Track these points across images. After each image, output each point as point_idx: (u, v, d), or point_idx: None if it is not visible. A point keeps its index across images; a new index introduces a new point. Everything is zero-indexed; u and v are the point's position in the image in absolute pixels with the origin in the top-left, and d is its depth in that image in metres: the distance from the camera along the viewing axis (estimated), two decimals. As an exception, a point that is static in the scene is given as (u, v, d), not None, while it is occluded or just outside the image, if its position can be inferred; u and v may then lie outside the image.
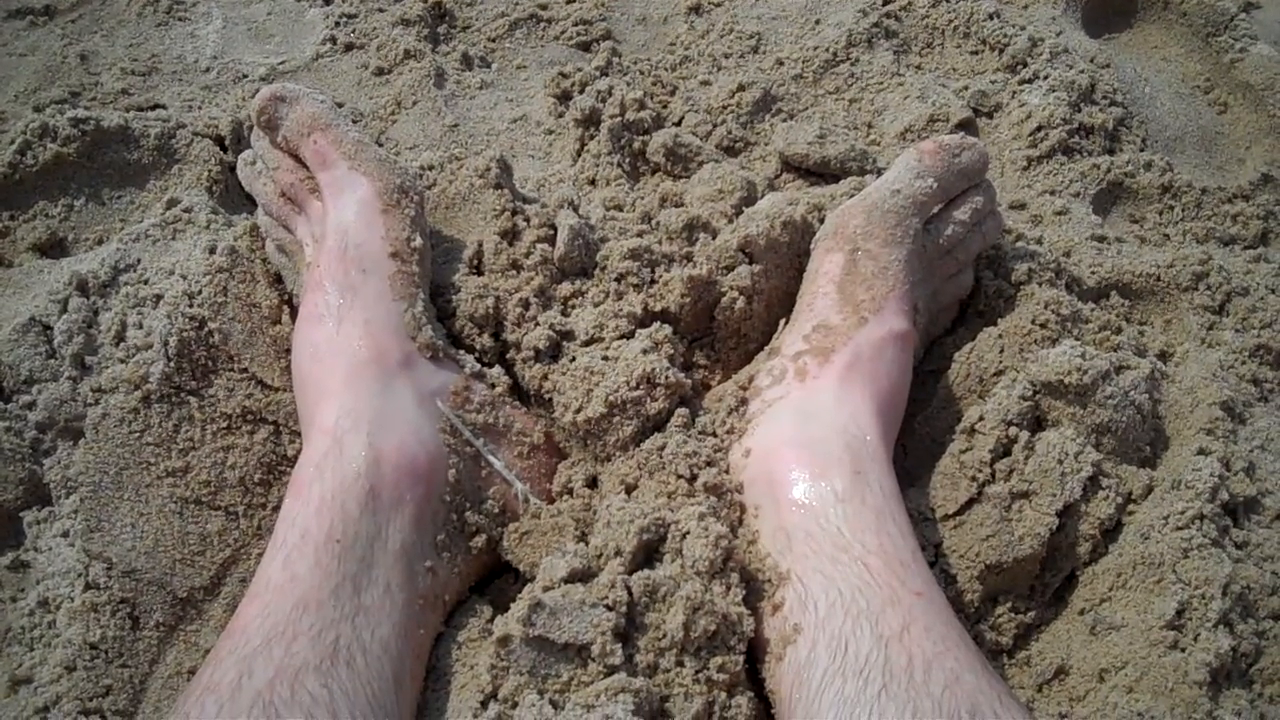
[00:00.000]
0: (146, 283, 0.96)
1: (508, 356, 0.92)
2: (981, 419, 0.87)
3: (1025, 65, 1.30)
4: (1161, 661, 0.75)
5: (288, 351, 0.90)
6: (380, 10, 1.38)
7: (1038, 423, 0.88)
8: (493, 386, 0.88)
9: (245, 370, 0.91)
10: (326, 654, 0.65)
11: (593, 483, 0.87)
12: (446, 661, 0.76)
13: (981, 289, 1.00)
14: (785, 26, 1.38)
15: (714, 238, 0.97)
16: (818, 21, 1.38)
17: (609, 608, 0.68)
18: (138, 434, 0.86)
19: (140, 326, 0.92)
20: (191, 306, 0.91)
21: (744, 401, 0.88)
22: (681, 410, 0.87)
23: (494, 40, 1.37)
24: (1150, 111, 1.33)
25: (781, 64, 1.32)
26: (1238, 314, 1.08)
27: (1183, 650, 0.76)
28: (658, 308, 0.93)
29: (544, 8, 1.40)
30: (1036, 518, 0.82)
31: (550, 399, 0.89)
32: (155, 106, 1.21)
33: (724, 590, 0.71)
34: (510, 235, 0.96)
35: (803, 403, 0.83)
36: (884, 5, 1.38)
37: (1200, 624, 0.77)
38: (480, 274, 0.95)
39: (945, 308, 0.99)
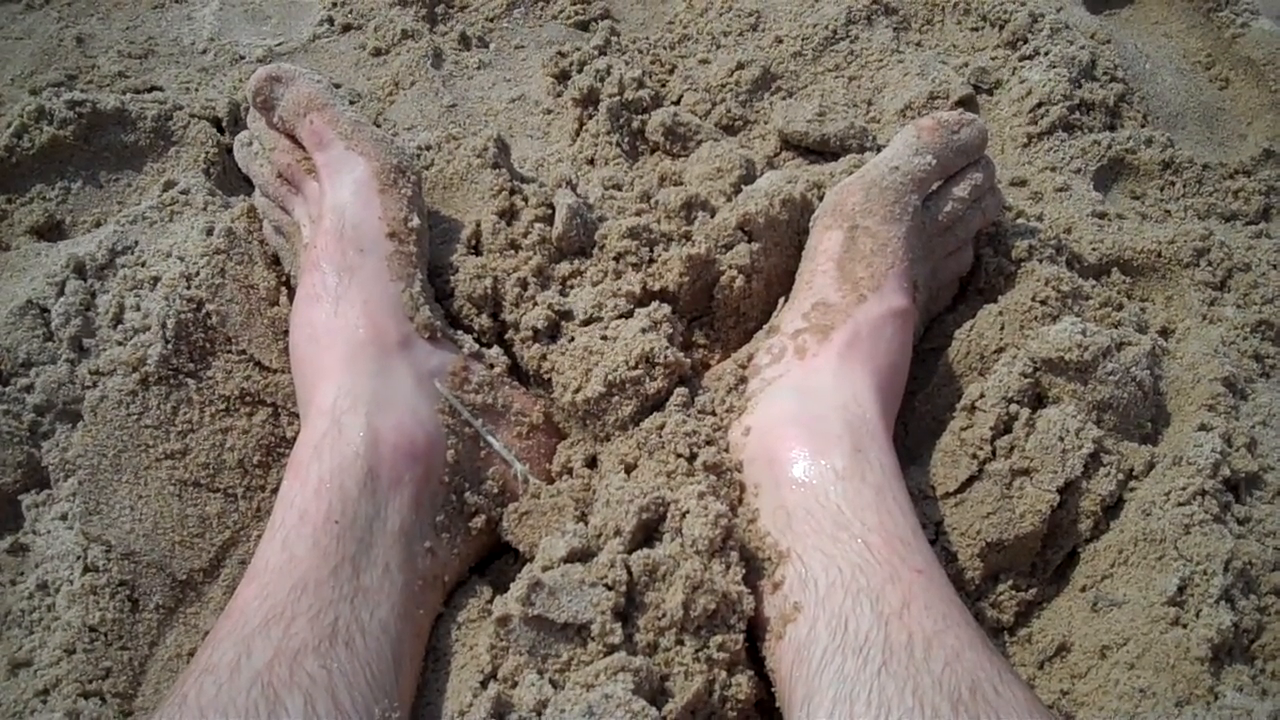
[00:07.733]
0: (144, 265, 0.96)
1: (506, 337, 0.91)
2: (982, 396, 0.87)
3: (1025, 41, 1.30)
4: (1163, 638, 0.75)
5: (286, 333, 0.90)
6: (377, -10, 1.37)
7: (1038, 400, 0.88)
8: (491, 367, 0.88)
9: (243, 352, 0.90)
10: (325, 635, 0.65)
11: (592, 462, 0.87)
12: (446, 642, 0.76)
13: (982, 266, 1.00)
14: (784, 4, 1.37)
15: (713, 216, 0.97)
16: (817, -1, 1.37)
17: (608, 587, 0.68)
18: (136, 416, 0.85)
19: (138, 309, 0.92)
20: (189, 288, 0.91)
21: (743, 380, 0.88)
22: (681, 389, 0.86)
23: (492, 20, 1.36)
24: (1151, 87, 1.32)
25: (780, 42, 1.31)
26: (1239, 290, 1.08)
27: (1184, 626, 0.76)
28: (656, 287, 0.92)
29: (541, -13, 1.40)
30: (1037, 495, 0.82)
31: (549, 379, 0.88)
32: (152, 89, 1.20)
33: (724, 569, 0.71)
34: (508, 215, 0.96)
35: (802, 381, 0.83)
36: (883, -18, 1.37)
37: (1202, 600, 0.76)
38: (478, 254, 0.95)
39: (945, 285, 0.98)
